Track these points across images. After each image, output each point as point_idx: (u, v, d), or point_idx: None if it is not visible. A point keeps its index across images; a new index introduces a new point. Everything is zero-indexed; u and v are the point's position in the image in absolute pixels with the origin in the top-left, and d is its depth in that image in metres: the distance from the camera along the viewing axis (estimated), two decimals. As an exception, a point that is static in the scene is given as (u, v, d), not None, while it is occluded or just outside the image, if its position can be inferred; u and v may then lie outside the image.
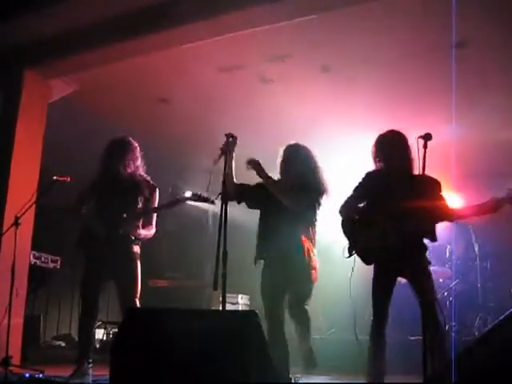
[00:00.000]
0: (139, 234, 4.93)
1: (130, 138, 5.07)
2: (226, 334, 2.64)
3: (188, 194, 4.96)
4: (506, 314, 2.66)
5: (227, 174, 4.05)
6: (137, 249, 4.96)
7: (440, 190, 4.28)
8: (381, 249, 4.21)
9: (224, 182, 3.91)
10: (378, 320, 4.27)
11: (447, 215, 4.23)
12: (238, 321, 2.71)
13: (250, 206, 4.89)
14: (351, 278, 4.44)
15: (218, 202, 3.87)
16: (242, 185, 4.72)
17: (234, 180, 4.61)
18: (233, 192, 4.48)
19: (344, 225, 4.46)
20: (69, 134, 7.27)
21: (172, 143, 8.13)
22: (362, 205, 4.44)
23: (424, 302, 4.03)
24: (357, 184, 4.46)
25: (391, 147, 4.31)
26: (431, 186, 4.22)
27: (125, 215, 4.84)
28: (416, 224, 3.92)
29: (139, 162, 5.06)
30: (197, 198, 4.86)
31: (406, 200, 3.90)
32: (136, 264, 4.92)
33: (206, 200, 4.79)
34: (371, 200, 4.36)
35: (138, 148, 5.07)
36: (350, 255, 4.37)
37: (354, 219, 4.44)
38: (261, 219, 4.80)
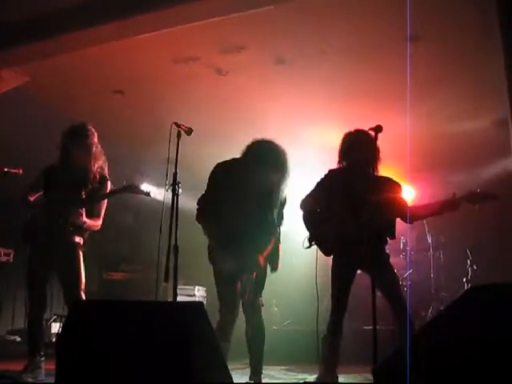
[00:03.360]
0: (84, 223, 4.81)
1: (88, 125, 4.96)
2: (170, 326, 2.62)
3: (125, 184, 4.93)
4: (454, 300, 2.72)
5: None
6: (79, 239, 4.86)
7: (400, 192, 4.48)
8: (339, 241, 4.31)
9: (175, 174, 3.87)
10: (336, 311, 4.34)
11: (408, 217, 4.36)
12: (184, 312, 2.69)
13: None
14: (317, 268, 4.52)
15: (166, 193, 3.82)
16: None
17: None
18: None
19: (305, 218, 4.58)
20: (20, 126, 7.15)
21: (128, 135, 8.04)
22: (323, 200, 4.52)
23: (392, 296, 4.21)
24: (319, 179, 4.55)
25: (357, 147, 4.38)
26: (392, 187, 4.44)
27: (69, 205, 4.75)
28: (374, 219, 3.99)
29: (95, 149, 4.92)
30: (133, 189, 4.83)
31: (366, 197, 3.96)
32: (78, 254, 4.82)
33: (142, 192, 4.79)
34: (332, 196, 4.44)
35: (96, 135, 4.95)
36: (310, 246, 4.50)
37: (314, 212, 4.54)
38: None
